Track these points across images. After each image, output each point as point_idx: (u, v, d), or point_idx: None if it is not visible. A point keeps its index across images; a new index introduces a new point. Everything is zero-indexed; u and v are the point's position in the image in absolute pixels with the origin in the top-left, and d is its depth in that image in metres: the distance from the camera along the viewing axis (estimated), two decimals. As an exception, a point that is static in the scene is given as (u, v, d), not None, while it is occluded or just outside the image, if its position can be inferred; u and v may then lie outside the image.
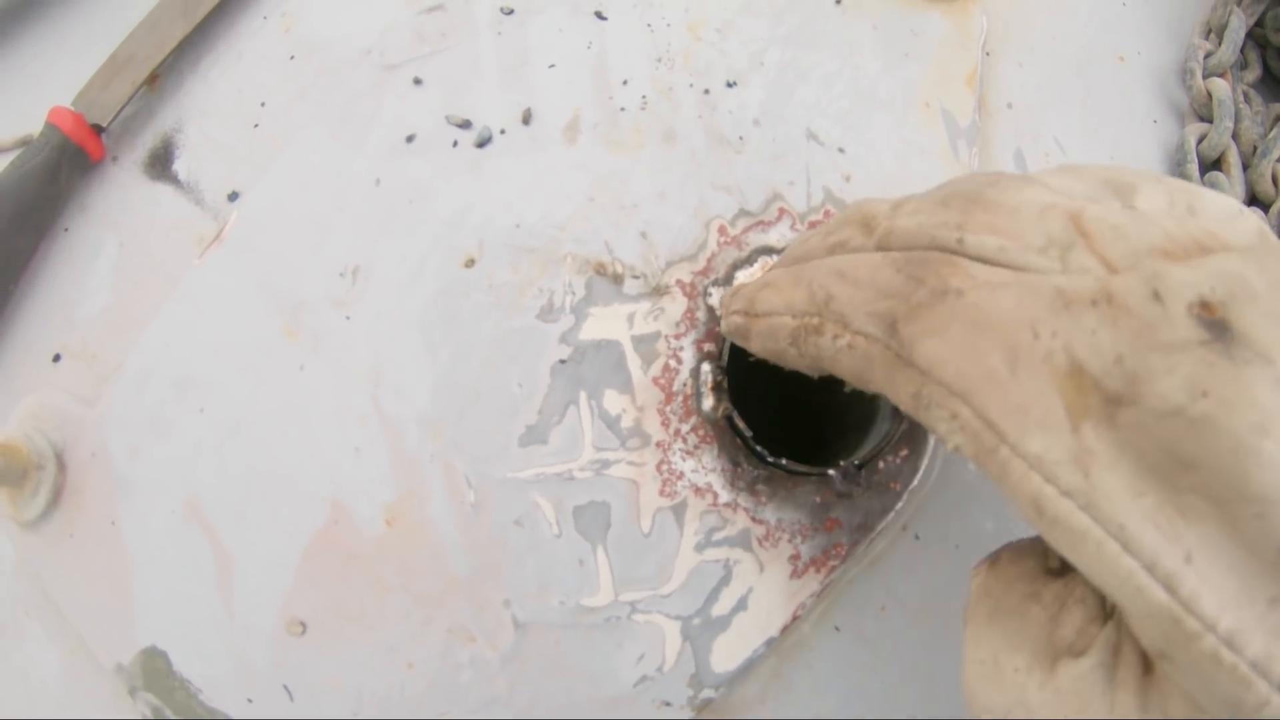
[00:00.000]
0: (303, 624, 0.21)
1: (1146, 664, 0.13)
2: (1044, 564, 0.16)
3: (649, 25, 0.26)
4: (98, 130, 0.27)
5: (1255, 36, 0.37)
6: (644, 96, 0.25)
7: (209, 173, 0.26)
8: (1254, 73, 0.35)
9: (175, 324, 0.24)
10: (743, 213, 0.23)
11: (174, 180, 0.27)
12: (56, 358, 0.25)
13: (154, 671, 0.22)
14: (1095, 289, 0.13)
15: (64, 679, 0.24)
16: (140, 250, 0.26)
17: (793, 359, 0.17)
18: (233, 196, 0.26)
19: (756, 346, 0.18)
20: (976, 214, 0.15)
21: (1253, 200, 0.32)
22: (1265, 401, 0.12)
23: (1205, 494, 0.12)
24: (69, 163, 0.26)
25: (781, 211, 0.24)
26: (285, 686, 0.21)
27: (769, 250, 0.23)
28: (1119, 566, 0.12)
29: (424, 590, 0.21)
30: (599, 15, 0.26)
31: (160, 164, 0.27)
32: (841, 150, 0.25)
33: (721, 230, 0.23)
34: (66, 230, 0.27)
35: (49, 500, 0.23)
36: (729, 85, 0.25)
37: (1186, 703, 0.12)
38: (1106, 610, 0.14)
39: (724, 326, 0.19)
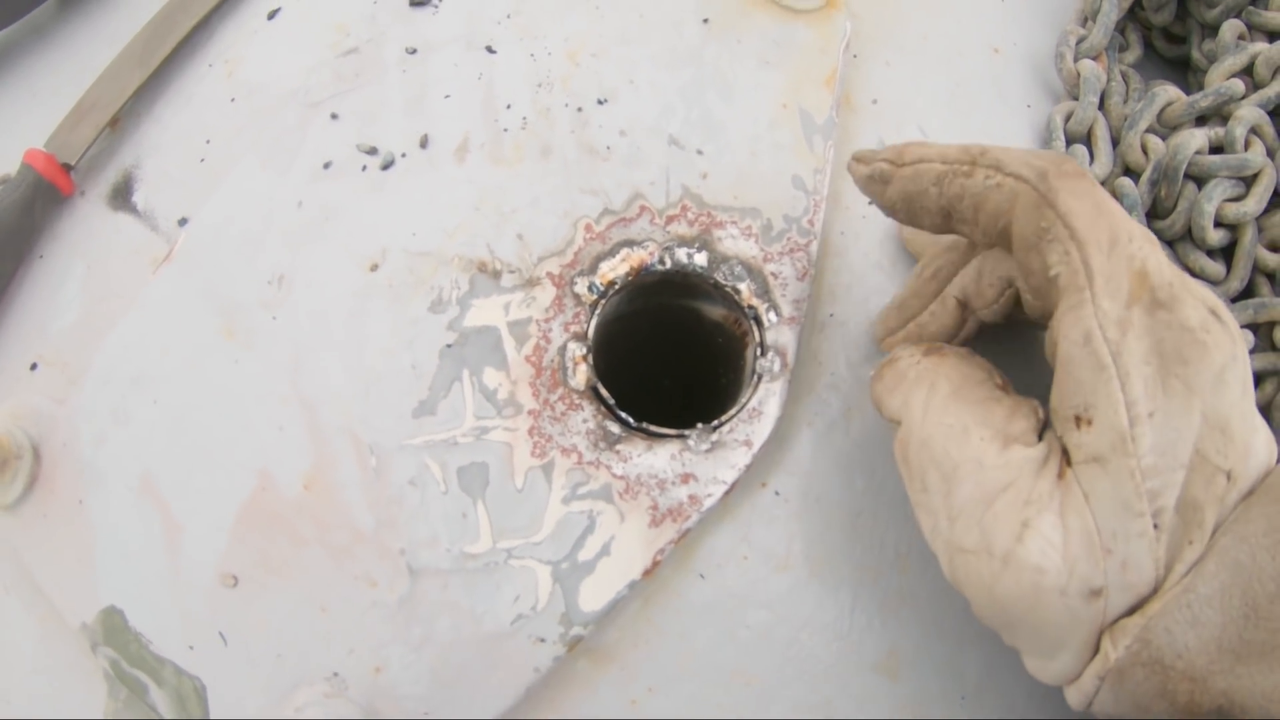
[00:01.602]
0: (234, 577, 0.26)
1: (1061, 471, 0.20)
2: (993, 380, 0.23)
3: (532, 55, 0.32)
4: (67, 168, 0.33)
5: (1139, 19, 0.41)
6: (524, 118, 0.30)
7: (162, 202, 0.33)
8: (1135, 53, 0.39)
9: (133, 330, 0.30)
10: (607, 211, 0.29)
11: (133, 210, 0.33)
12: (33, 366, 0.31)
13: (112, 627, 0.28)
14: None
15: (38, 644, 0.30)
16: (104, 272, 0.32)
17: (927, 200, 0.23)
18: (182, 221, 0.32)
19: (894, 190, 0.24)
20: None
21: (1125, 171, 0.36)
22: (1229, 353, 0.20)
23: (1185, 381, 0.19)
24: (42, 198, 0.33)
25: (642, 209, 0.29)
26: (220, 633, 0.26)
27: (630, 243, 0.29)
28: (1112, 394, 0.19)
29: (335, 543, 0.26)
30: (489, 49, 0.32)
31: (121, 196, 0.34)
32: (700, 152, 0.30)
33: (588, 228, 0.29)
34: (41, 257, 0.33)
35: (26, 486, 0.29)
36: (600, 103, 0.31)
37: (1077, 502, 0.20)
38: (1040, 429, 0.22)
39: (865, 171, 0.24)
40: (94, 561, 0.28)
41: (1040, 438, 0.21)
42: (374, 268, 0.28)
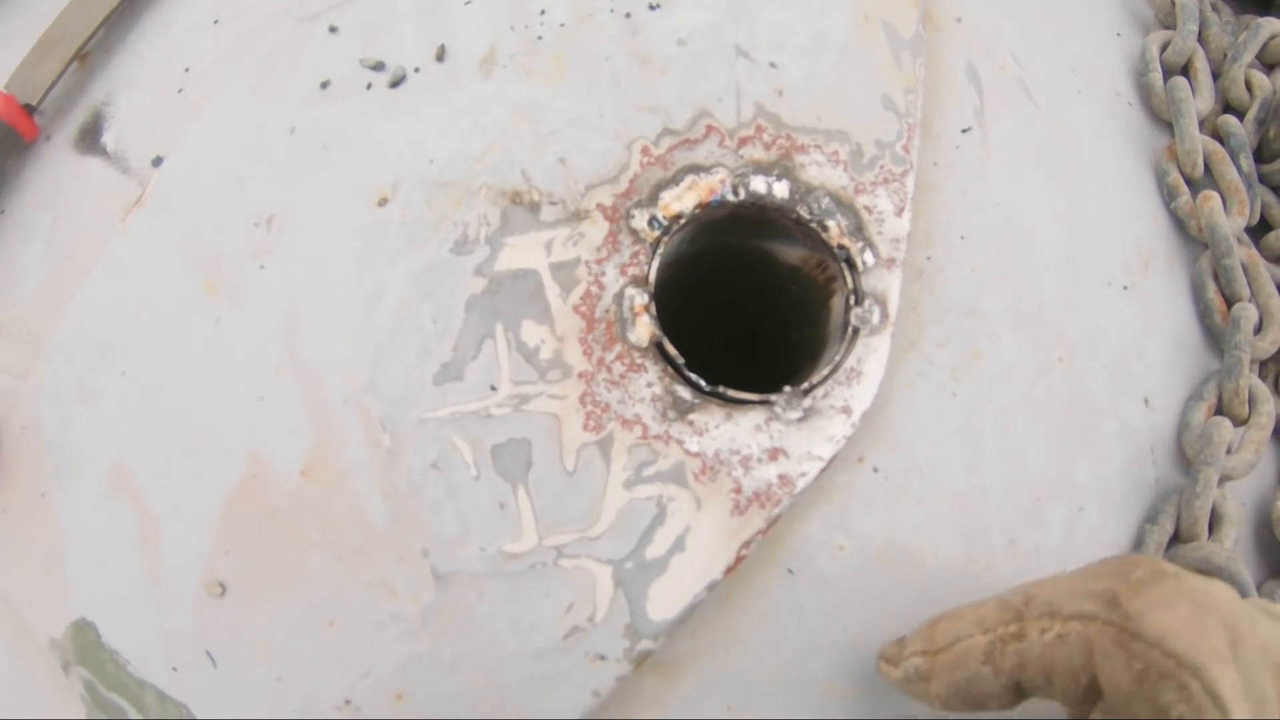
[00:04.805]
0: (222, 585, 0.18)
1: None
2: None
3: (567, -46, 0.23)
4: (29, 110, 0.25)
5: (1222, -51, 0.32)
6: (562, 24, 0.22)
7: (136, 141, 0.24)
8: (1222, -17, 0.31)
9: (100, 290, 0.22)
10: (667, 131, 0.20)
11: (103, 152, 0.24)
12: (-9, 335, 0.23)
13: (84, 644, 0.20)
14: None
15: (5, 662, 0.22)
16: (72, 225, 0.24)
17: (985, 683, 0.17)
18: (157, 161, 0.23)
19: (939, 685, 0.17)
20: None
21: (1226, 107, 0.28)
22: None
23: None
24: (2, 145, 0.24)
25: (709, 129, 0.21)
26: (208, 652, 0.19)
27: (696, 168, 0.20)
28: None
29: (343, 543, 0.18)
30: (515, -51, 0.23)
31: (90, 137, 0.25)
32: (774, 65, 0.21)
33: (645, 151, 0.20)
34: (1, 212, 0.25)
35: (-21, 475, 0.21)
36: (652, 8, 0.22)
37: None
38: None
39: (898, 674, 0.18)
40: (62, 566, 0.20)
41: None
42: (383, 202, 0.20)
